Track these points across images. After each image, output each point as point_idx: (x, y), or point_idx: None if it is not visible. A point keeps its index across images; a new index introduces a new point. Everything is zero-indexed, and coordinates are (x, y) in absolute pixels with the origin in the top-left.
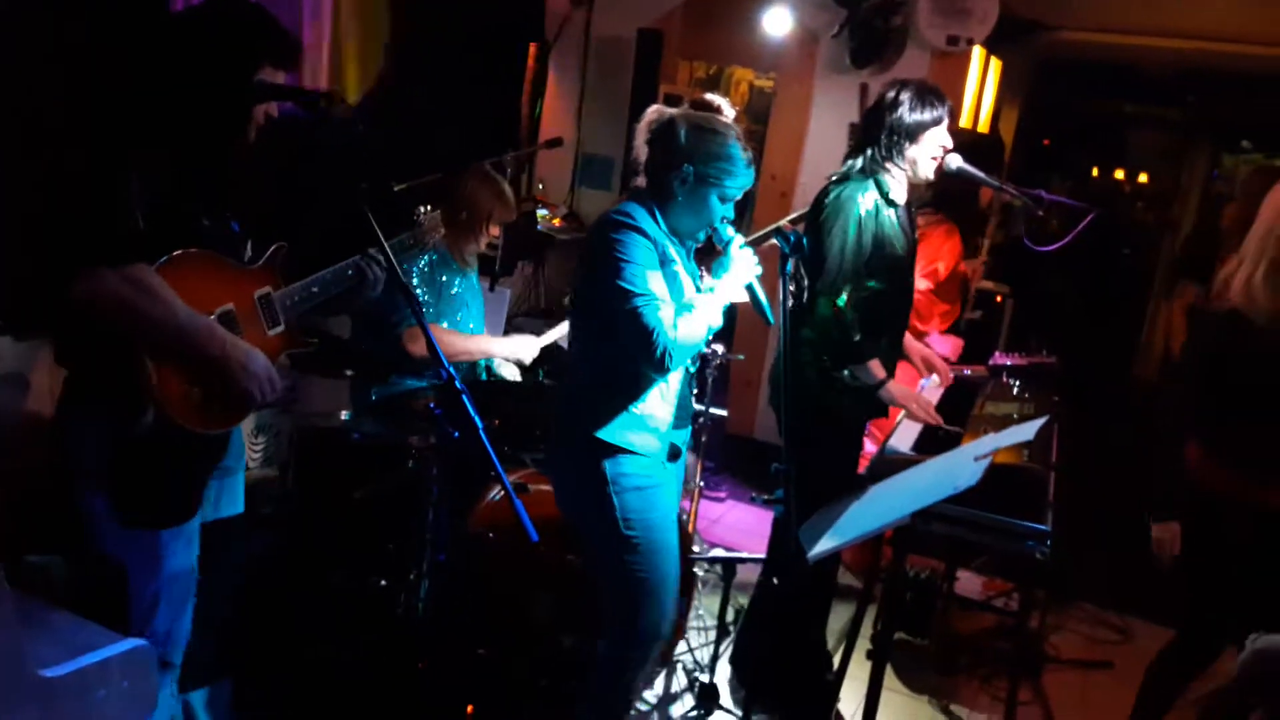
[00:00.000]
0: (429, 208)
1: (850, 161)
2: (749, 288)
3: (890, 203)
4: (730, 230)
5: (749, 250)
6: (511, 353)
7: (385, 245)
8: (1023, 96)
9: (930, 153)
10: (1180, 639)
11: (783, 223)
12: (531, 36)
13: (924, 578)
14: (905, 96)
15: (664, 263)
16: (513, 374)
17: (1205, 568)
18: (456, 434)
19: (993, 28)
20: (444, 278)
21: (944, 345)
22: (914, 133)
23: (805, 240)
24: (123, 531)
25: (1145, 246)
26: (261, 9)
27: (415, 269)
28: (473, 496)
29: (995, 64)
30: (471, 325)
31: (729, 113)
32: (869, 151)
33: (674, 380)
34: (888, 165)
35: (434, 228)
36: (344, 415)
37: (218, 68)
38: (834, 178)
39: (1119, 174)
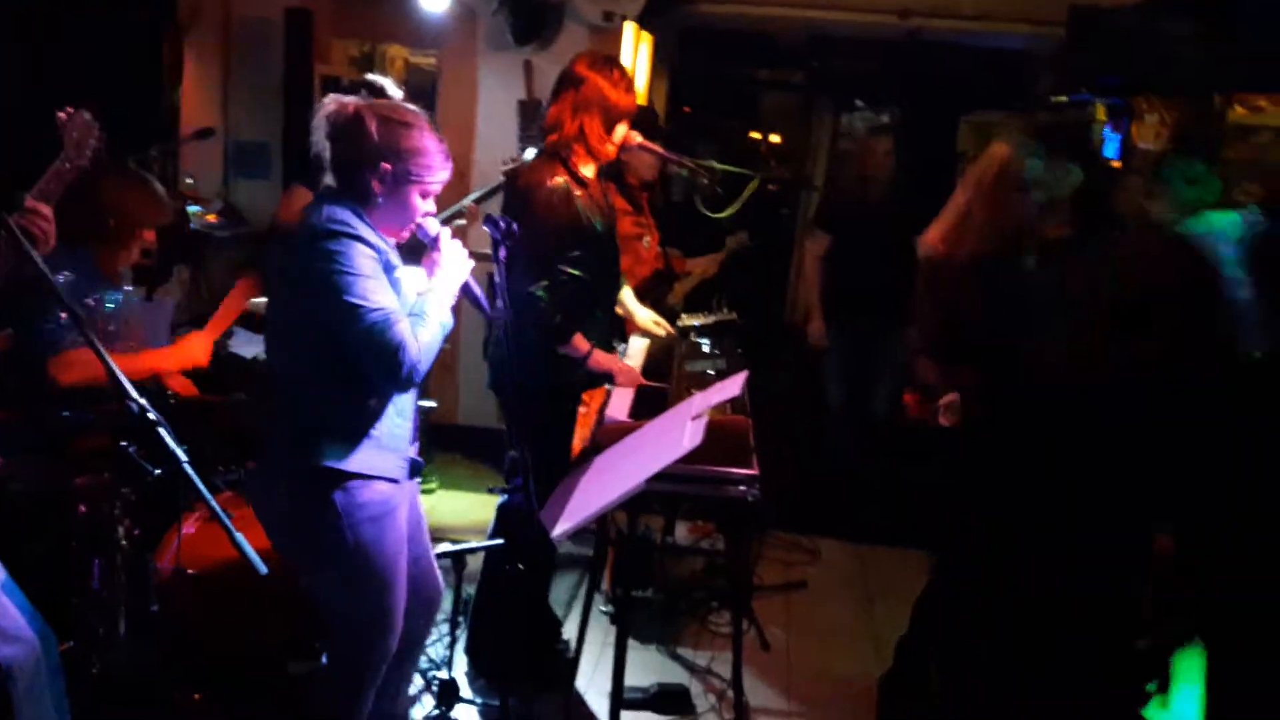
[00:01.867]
0: (70, 109)
1: (535, 144)
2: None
3: (580, 181)
4: (435, 225)
5: (458, 243)
6: (185, 362)
7: (38, 259)
8: (669, 68)
9: (620, 133)
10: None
11: (465, 203)
12: (163, 21)
13: (641, 534)
14: (613, 81)
15: (387, 269)
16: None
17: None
18: (157, 470)
19: (644, 3)
20: (93, 297)
21: None
22: (618, 118)
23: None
24: None
25: (795, 204)
26: None
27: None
28: (154, 532)
29: (647, 38)
30: (133, 345)
31: (395, 93)
32: (557, 131)
33: (409, 392)
34: (574, 145)
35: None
36: None
37: None
38: (518, 160)
39: (755, 135)
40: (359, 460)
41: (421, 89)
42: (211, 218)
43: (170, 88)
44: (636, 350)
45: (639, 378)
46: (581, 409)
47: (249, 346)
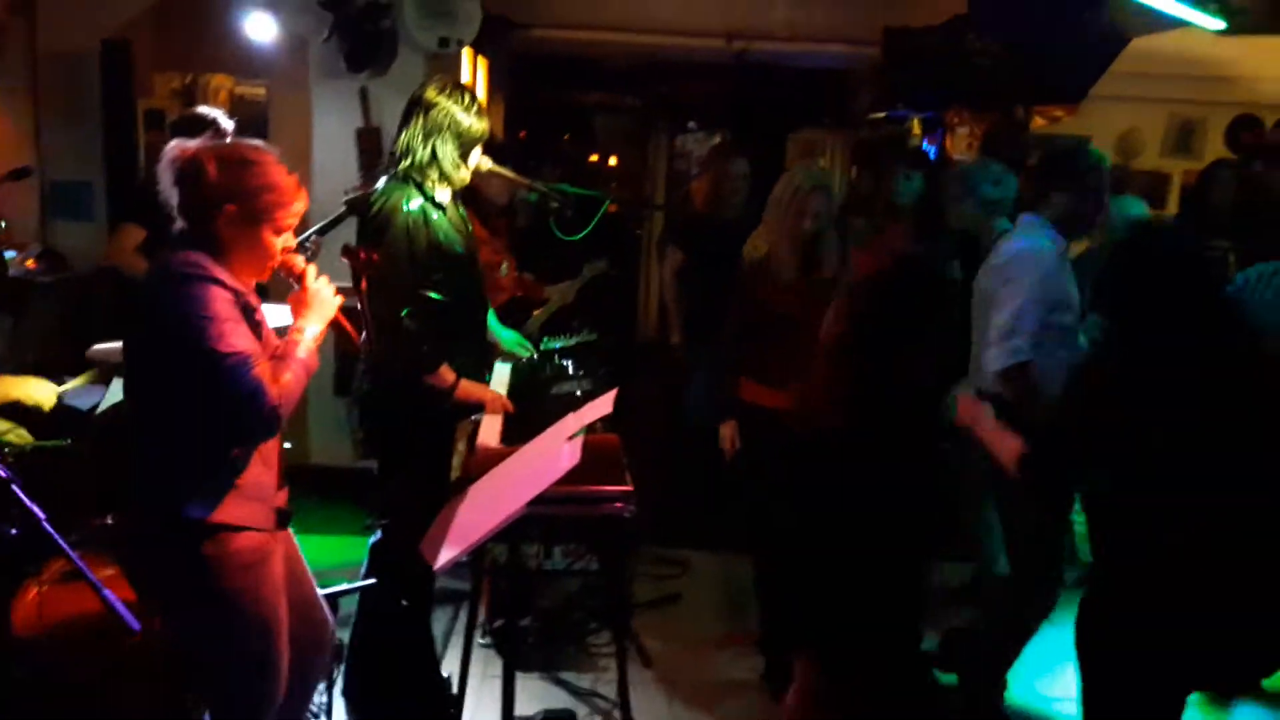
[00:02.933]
0: None
1: (387, 170)
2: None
3: (436, 205)
4: (299, 261)
5: (325, 279)
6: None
7: None
8: (505, 92)
9: (474, 158)
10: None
11: (309, 234)
12: None
13: (519, 563)
14: (464, 106)
15: (247, 313)
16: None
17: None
18: (15, 530)
19: (478, 28)
20: None
21: None
22: (471, 144)
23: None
24: None
25: (641, 224)
26: None
27: None
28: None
29: (482, 62)
30: None
31: (227, 125)
32: (409, 157)
33: (274, 439)
34: (427, 170)
35: None
36: None
37: None
38: (362, 188)
39: (594, 158)
40: (225, 511)
41: (250, 120)
42: (31, 263)
43: None
44: (501, 376)
45: (507, 404)
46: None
47: (87, 397)
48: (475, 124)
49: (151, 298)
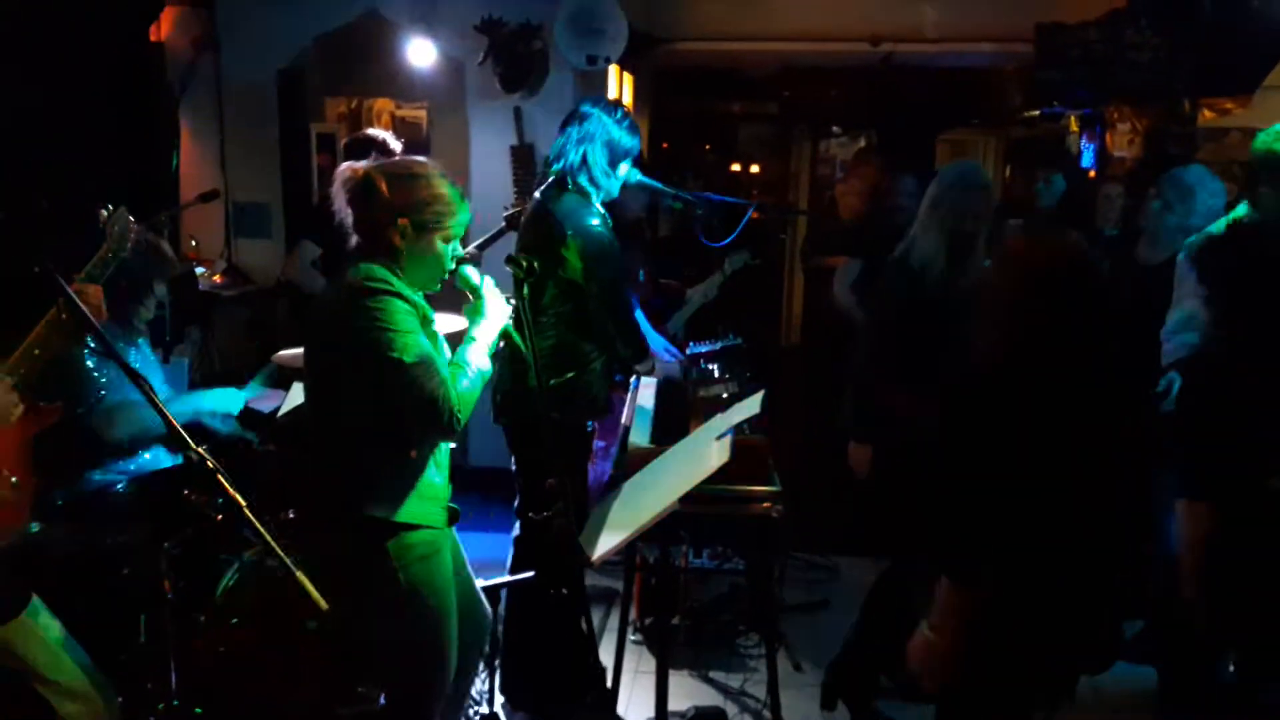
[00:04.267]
0: (110, 208)
1: (551, 182)
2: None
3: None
4: (471, 272)
5: (496, 290)
6: (224, 406)
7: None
8: (650, 106)
9: (624, 170)
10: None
11: (469, 249)
12: (157, 87)
13: (669, 561)
14: (616, 119)
15: (424, 323)
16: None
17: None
18: (220, 516)
19: (624, 45)
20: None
21: None
22: (621, 155)
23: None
24: None
25: (784, 230)
26: None
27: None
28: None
29: (628, 78)
30: (161, 398)
31: (395, 145)
32: (561, 160)
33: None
34: (578, 174)
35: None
36: (33, 527)
37: None
38: (518, 205)
39: (735, 167)
40: (405, 511)
41: (412, 141)
42: (218, 278)
43: (169, 153)
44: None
45: None
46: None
47: (269, 401)
48: (626, 136)
49: (336, 310)
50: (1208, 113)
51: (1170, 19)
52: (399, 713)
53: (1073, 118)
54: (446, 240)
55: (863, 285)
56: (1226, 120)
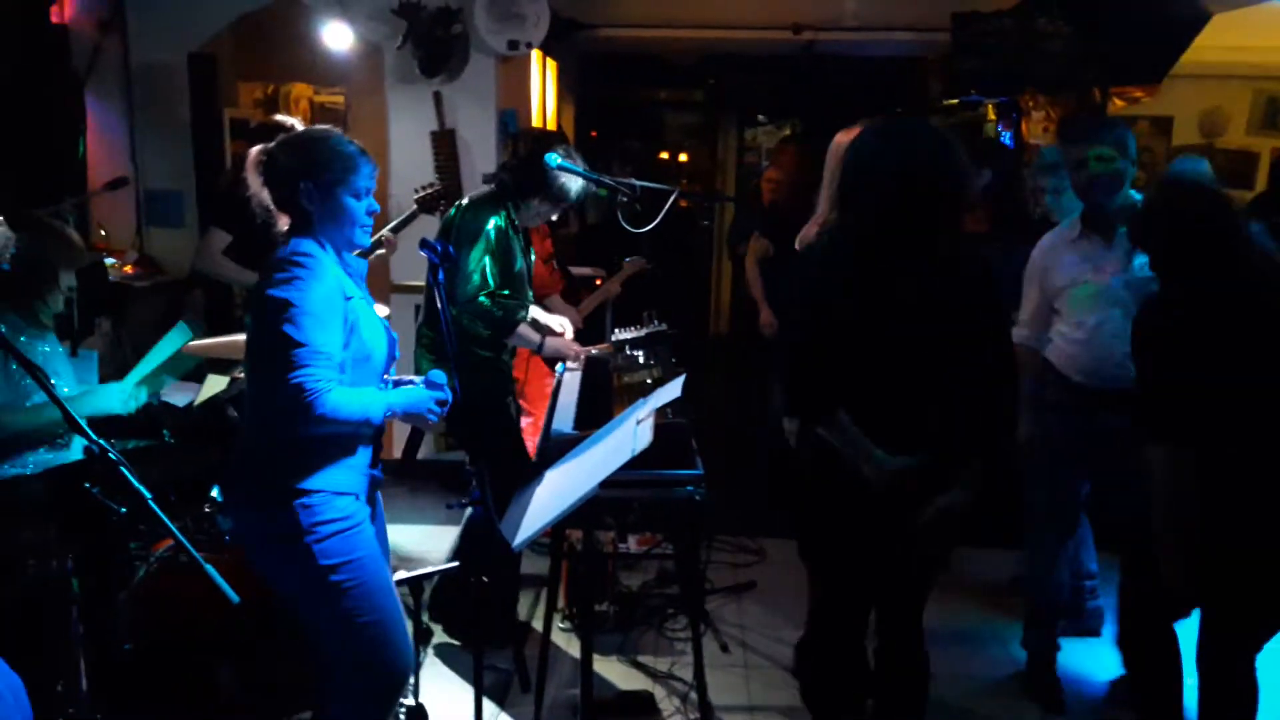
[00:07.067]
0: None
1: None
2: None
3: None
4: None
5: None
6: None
7: None
8: (574, 92)
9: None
10: None
11: (384, 233)
12: (60, 71)
13: (595, 548)
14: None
15: (345, 297)
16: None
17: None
18: (124, 510)
19: (546, 31)
20: (22, 344)
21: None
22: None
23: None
24: None
25: (711, 216)
26: None
27: None
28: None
29: (551, 64)
30: (66, 390)
31: (300, 128)
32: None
33: None
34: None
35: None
36: None
37: None
38: (432, 187)
39: (663, 155)
40: (319, 478)
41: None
42: (128, 269)
43: (74, 138)
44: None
45: (582, 349)
46: (526, 420)
47: (181, 394)
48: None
49: (261, 283)
50: (1118, 101)
51: (1080, 8)
52: (349, 713)
53: (990, 106)
54: (356, 196)
55: (774, 263)
56: (1136, 109)
